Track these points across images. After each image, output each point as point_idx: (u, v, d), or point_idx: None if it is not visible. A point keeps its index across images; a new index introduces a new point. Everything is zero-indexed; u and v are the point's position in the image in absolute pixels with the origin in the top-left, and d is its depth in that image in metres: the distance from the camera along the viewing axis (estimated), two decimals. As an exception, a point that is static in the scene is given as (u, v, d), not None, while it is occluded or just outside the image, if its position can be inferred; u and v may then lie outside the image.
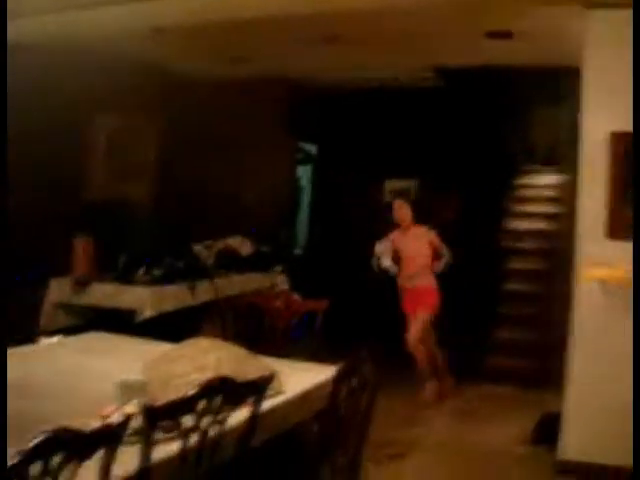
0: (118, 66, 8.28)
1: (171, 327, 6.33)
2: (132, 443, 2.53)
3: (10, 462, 2.02)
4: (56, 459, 2.14)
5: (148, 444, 2.49)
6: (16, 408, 3.07)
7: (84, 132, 8.51)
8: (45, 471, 2.11)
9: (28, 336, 5.57)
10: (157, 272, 7.28)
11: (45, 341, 4.74)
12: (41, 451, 2.10)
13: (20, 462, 2.04)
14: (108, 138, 8.86)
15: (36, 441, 2.09)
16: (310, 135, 11.51)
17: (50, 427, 2.14)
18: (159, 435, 2.56)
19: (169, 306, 7.02)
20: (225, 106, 9.92)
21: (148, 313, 6.73)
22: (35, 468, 2.08)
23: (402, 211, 7.57)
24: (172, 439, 2.65)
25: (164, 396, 2.73)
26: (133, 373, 3.23)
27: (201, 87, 9.55)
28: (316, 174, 11.80)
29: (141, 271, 7.20)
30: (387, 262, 7.47)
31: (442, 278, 7.52)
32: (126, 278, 7.19)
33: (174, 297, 7.16)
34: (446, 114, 10.12)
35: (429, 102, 10.01)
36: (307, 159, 11.88)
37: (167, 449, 2.64)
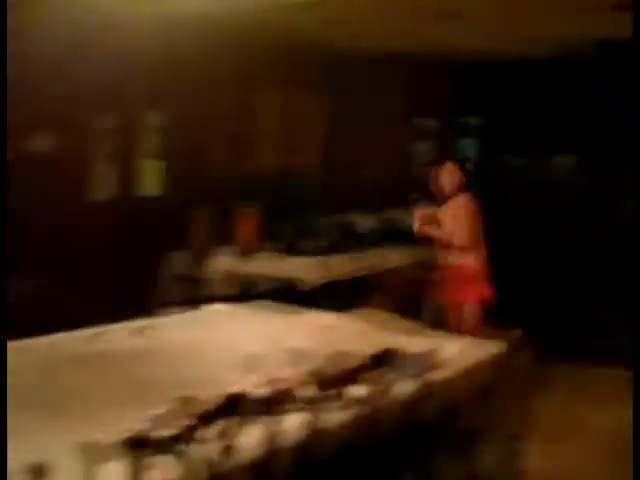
0: (281, 40, 8.39)
1: (334, 298, 6.41)
2: (299, 410, 2.57)
3: (187, 424, 2.10)
4: (228, 422, 2.21)
5: (317, 411, 2.54)
6: (183, 372, 3.21)
7: (250, 105, 8.69)
8: (220, 434, 2.19)
9: (191, 303, 5.79)
10: (322, 243, 7.37)
11: (211, 307, 4.87)
12: (216, 414, 2.19)
13: (196, 424, 2.14)
14: (274, 111, 9.01)
15: (213, 405, 2.19)
16: (473, 109, 11.35)
17: (219, 392, 2.24)
18: (325, 403, 2.61)
19: (332, 276, 7.08)
20: (387, 80, 9.92)
21: (312, 283, 6.81)
22: (210, 430, 2.17)
23: (444, 177, 6.38)
24: (338, 408, 2.70)
25: (330, 366, 2.77)
26: (299, 341, 3.30)
27: (364, 62, 9.57)
28: (480, 148, 11.62)
29: (306, 241, 7.30)
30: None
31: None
32: (291, 248, 7.31)
33: (338, 268, 7.22)
34: (609, 89, 9.74)
35: (590, 76, 9.67)
36: (470, 133, 11.70)
37: (333, 417, 2.68)
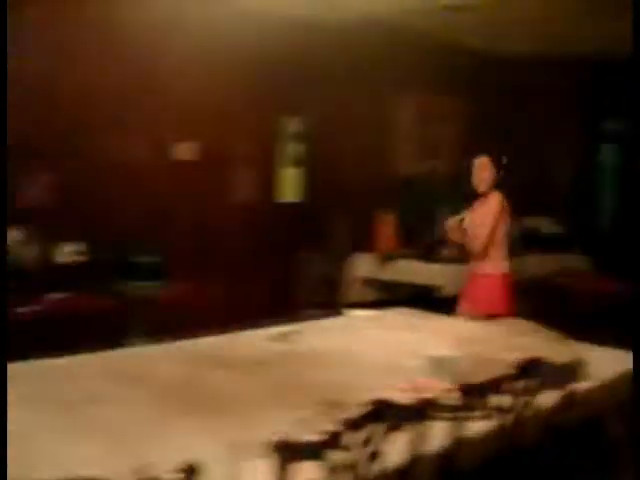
0: (419, 44, 8.36)
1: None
2: (443, 418, 2.56)
3: (333, 429, 2.11)
4: (374, 429, 2.20)
5: (461, 420, 2.54)
6: (327, 377, 3.25)
7: (389, 109, 8.69)
8: (366, 441, 2.18)
9: (332, 308, 5.81)
10: (460, 249, 7.28)
11: (352, 313, 4.89)
12: (361, 420, 2.17)
13: (341, 430, 2.12)
14: (413, 115, 8.99)
15: (359, 411, 2.17)
16: (616, 113, 10.99)
17: (363, 398, 2.21)
18: (469, 412, 2.60)
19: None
20: (526, 84, 9.76)
21: (449, 291, 6.75)
22: (355, 436, 2.15)
23: (480, 173, 5.80)
24: (481, 417, 2.68)
25: (473, 374, 2.76)
26: (442, 349, 3.29)
27: (503, 65, 9.46)
28: (623, 153, 11.23)
29: (444, 249, 7.27)
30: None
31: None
32: (429, 254, 7.31)
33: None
34: None
35: None
36: (612, 138, 11.34)
37: (476, 426, 2.66)
